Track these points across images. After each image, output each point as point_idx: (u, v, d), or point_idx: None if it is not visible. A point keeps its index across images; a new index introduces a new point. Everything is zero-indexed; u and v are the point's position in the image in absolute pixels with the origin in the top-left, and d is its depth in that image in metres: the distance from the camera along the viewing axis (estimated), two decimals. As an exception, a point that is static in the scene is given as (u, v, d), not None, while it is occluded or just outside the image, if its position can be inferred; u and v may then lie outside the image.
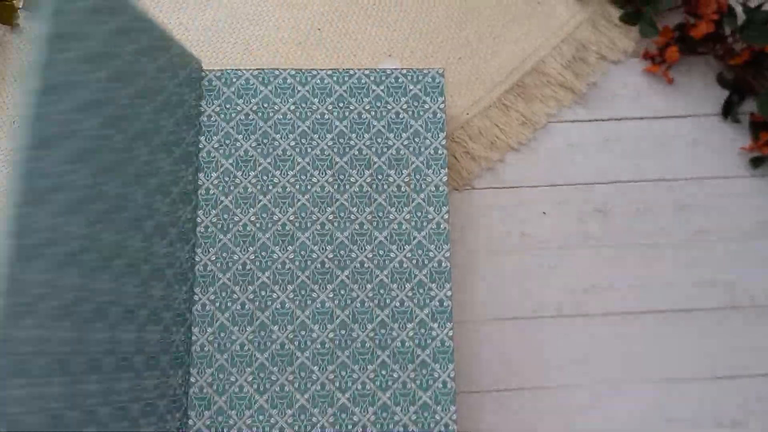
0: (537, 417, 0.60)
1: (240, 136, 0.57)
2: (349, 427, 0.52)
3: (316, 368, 0.53)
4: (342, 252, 0.55)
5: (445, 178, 0.57)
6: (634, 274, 0.63)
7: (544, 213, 0.64)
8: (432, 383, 0.53)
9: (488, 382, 0.60)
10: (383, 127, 0.58)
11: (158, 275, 0.51)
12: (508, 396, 0.60)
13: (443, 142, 0.58)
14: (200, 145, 0.57)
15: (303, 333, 0.53)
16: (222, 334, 0.53)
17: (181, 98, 0.56)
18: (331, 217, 0.56)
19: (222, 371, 0.52)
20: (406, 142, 0.58)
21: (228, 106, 0.58)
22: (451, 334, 0.54)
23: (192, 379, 0.52)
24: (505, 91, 0.65)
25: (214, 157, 0.57)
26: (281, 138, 0.57)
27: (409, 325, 0.54)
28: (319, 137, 0.58)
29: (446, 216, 0.56)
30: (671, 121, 0.66)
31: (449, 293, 0.55)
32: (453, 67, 0.65)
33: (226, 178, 0.56)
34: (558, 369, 0.61)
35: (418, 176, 0.57)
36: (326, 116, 0.58)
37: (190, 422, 0.51)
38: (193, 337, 0.53)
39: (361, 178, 0.57)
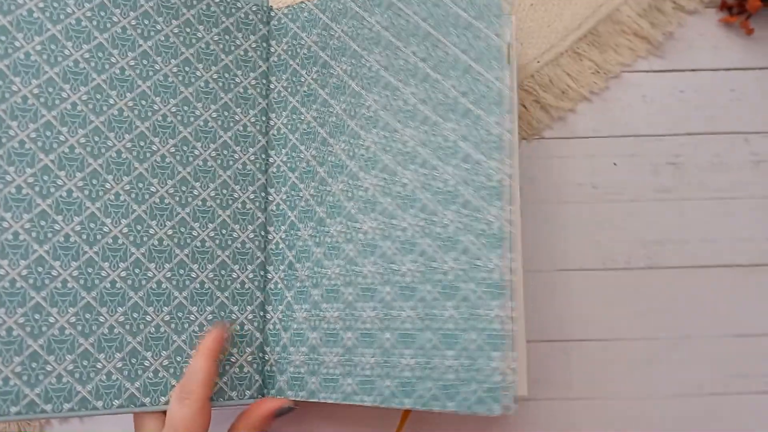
0: (603, 368, 0.59)
1: (304, 71, 0.56)
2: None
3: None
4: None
5: None
6: (707, 227, 0.62)
7: (615, 164, 0.62)
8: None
9: (555, 332, 0.60)
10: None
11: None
12: (574, 346, 0.60)
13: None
14: (271, 86, 0.56)
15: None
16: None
17: (229, 45, 0.56)
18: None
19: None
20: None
21: (294, 42, 0.57)
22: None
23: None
24: (578, 39, 0.63)
25: (284, 96, 0.56)
26: (336, 64, 0.55)
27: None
28: (368, 55, 0.55)
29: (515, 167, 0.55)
30: (748, 73, 0.64)
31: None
32: (525, 14, 0.64)
33: (294, 116, 0.55)
34: (626, 322, 0.60)
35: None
36: (378, 31, 0.55)
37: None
38: (269, 275, 0.53)
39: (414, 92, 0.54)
